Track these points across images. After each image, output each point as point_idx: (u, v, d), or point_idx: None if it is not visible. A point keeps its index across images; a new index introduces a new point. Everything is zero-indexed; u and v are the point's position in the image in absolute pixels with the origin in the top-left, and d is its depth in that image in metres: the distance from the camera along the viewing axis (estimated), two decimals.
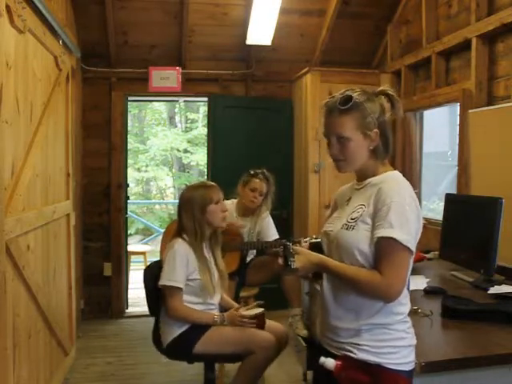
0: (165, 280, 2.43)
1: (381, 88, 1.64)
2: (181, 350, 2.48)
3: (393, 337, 1.53)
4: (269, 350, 2.45)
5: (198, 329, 2.46)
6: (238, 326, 2.47)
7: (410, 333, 1.58)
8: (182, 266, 2.43)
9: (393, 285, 1.49)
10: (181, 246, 2.47)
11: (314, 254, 1.66)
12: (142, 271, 2.70)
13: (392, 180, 1.59)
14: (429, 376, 1.58)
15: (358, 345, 1.54)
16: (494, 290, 2.31)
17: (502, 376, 1.65)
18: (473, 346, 1.73)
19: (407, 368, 1.55)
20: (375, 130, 1.58)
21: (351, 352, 1.55)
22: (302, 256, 1.63)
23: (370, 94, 1.61)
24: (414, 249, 1.51)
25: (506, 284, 2.42)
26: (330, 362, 1.54)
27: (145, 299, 2.64)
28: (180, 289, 2.43)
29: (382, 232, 1.48)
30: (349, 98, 1.57)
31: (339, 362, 1.54)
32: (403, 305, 1.57)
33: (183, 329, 2.47)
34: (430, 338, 1.83)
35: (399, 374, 1.53)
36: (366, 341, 1.54)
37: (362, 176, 1.65)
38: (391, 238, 1.47)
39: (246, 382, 2.50)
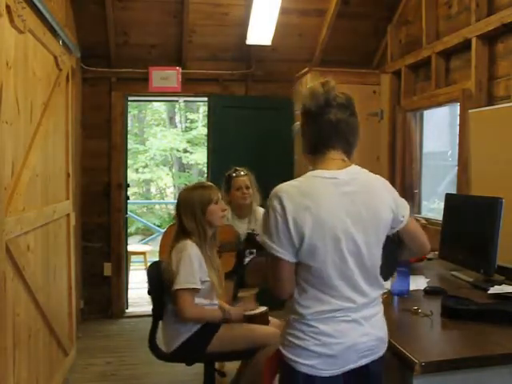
0: (182, 283, 2.37)
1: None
2: (193, 350, 2.47)
3: (291, 331, 1.56)
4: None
5: (209, 328, 2.47)
6: (241, 322, 2.53)
7: (314, 338, 1.50)
8: (198, 268, 2.42)
9: (271, 285, 1.56)
10: (193, 248, 2.44)
11: None
12: (143, 271, 2.70)
13: (288, 181, 1.55)
14: (429, 376, 1.57)
15: (282, 331, 1.64)
16: (494, 289, 2.30)
17: (502, 376, 1.65)
18: (473, 345, 1.73)
19: (298, 368, 1.51)
20: (297, 123, 1.66)
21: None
22: None
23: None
24: (280, 254, 1.47)
25: (506, 284, 2.42)
26: None
27: (145, 299, 2.64)
28: (197, 290, 2.41)
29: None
30: None
31: None
32: (303, 307, 1.51)
33: (194, 329, 2.46)
34: (430, 338, 1.83)
35: (282, 366, 1.56)
36: (284, 328, 1.62)
37: None
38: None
39: (257, 376, 2.52)
